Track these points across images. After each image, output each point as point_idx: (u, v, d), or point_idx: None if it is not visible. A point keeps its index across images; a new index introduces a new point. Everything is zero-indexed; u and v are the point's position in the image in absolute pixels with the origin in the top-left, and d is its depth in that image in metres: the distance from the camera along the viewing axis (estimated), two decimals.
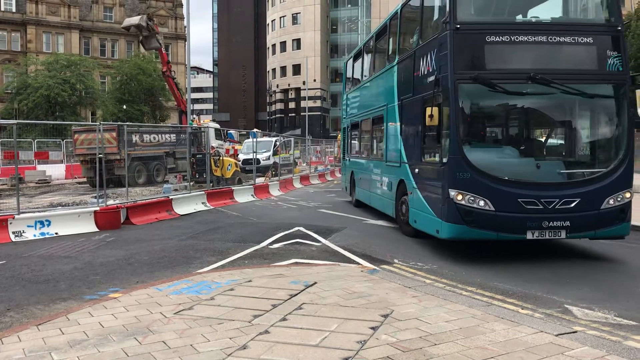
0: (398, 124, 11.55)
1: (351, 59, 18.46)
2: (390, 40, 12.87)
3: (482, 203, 8.52)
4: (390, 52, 12.95)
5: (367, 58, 15.99)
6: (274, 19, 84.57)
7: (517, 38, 8.86)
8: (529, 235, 8.51)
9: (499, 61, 8.99)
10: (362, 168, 16.11)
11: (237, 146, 32.71)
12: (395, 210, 12.02)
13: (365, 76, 16.04)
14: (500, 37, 8.82)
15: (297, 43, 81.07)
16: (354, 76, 18.03)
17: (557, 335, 5.10)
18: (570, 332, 5.23)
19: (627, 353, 4.73)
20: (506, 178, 8.58)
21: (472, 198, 8.55)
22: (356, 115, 16.83)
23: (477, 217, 8.55)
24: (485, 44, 8.84)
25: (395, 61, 11.94)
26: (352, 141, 18.10)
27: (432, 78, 9.34)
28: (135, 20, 25.31)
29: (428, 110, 8.93)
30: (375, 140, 14.63)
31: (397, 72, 11.82)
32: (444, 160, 8.89)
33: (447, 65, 8.77)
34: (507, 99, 9.16)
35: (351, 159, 18.02)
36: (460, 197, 8.57)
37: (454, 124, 8.66)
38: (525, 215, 8.47)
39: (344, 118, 19.00)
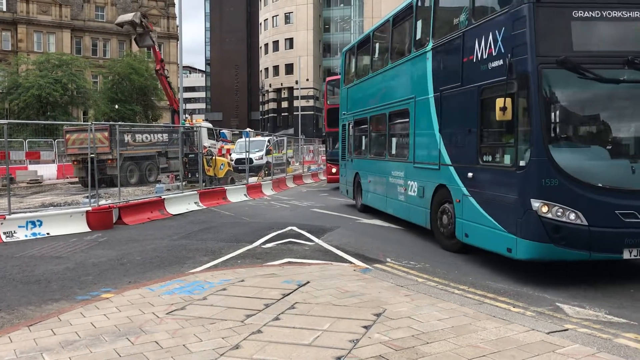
0: (435, 118, 10.03)
1: (353, 49, 16.92)
2: (419, 22, 11.18)
3: (572, 216, 7.10)
4: (417, 37, 11.23)
5: (379, 46, 14.52)
6: (267, 18, 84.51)
7: (610, 14, 7.38)
8: (626, 255, 7.12)
9: (589, 42, 7.53)
10: (373, 170, 14.41)
11: (229, 146, 32.69)
12: (429, 220, 10.38)
13: (375, 67, 14.45)
14: (591, 13, 7.37)
15: (290, 42, 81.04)
16: (358, 68, 16.52)
17: (548, 333, 5.13)
18: (562, 330, 5.26)
19: (618, 350, 4.77)
20: (602, 185, 7.16)
21: (560, 210, 7.11)
22: (363, 110, 15.16)
23: (566, 234, 7.08)
24: (573, 20, 7.38)
25: (429, 46, 10.34)
26: (357, 139, 16.32)
27: (497, 63, 7.87)
28: (128, 16, 25.27)
29: (499, 102, 7.34)
30: (394, 139, 12.98)
31: (433, 59, 10.25)
32: (522, 163, 7.33)
33: (525, 47, 7.30)
34: (600, 87, 7.44)
35: (355, 159, 16.33)
36: (545, 209, 7.12)
37: (537, 118, 7.19)
38: (623, 231, 7.08)
39: (344, 114, 17.37)
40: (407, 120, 11.50)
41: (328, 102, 24.08)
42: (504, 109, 7.34)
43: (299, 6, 79.41)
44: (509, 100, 7.34)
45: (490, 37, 8.06)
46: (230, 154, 30.19)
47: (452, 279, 7.74)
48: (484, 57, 8.23)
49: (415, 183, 11.18)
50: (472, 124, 8.58)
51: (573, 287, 7.20)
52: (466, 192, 8.83)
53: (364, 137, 15.59)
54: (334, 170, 22.85)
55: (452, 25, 9.85)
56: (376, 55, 14.68)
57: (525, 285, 7.39)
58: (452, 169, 9.38)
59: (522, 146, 7.40)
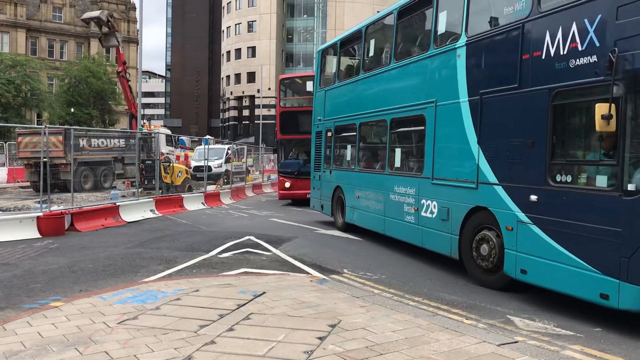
0: (470, 127, 8.35)
1: (334, 47, 14.99)
2: (442, 14, 9.53)
3: None
4: (440, 31, 9.54)
5: (375, 43, 12.61)
6: (229, 26, 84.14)
7: None
8: None
9: None
10: (365, 184, 12.48)
11: (188, 152, 32.31)
12: (457, 249, 8.68)
13: (369, 66, 12.62)
14: None
15: (252, 51, 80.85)
16: (341, 68, 14.52)
17: (499, 345, 5.23)
18: (512, 342, 5.38)
19: None
20: None
21: None
22: (349, 116, 13.28)
23: None
24: None
25: (462, 41, 8.63)
26: (339, 149, 14.45)
27: (586, 60, 6.30)
28: (96, 13, 25.06)
29: (600, 109, 5.81)
30: (398, 149, 11.18)
31: (468, 57, 8.53)
32: (631, 187, 5.78)
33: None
34: None
35: (336, 171, 14.35)
36: None
37: None
38: None
39: (320, 120, 15.29)
40: (422, 128, 9.83)
41: (282, 104, 22.10)
42: (607, 117, 5.77)
43: (262, 15, 79.39)
44: (607, 106, 5.81)
45: (574, 27, 6.45)
46: (188, 162, 29.84)
47: (407, 291, 7.82)
48: (561, 52, 6.63)
49: (435, 203, 9.37)
50: (537, 134, 6.94)
51: (524, 301, 7.36)
52: (525, 219, 7.12)
53: (349, 146, 13.67)
54: (287, 184, 20.67)
55: (500, 16, 8.17)
56: (370, 53, 12.72)
57: (478, 298, 7.52)
58: (499, 188, 7.66)
59: (632, 166, 5.87)
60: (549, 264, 6.73)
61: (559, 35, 6.66)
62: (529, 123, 7.14)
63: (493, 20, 8.34)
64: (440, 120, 9.29)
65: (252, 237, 12.38)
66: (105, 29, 24.77)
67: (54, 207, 14.01)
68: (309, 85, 19.60)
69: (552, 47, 6.77)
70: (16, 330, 5.48)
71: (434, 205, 9.41)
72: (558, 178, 6.69)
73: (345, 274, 8.89)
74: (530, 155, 7.07)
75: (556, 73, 6.69)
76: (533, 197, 6.96)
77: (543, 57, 6.92)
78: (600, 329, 6.16)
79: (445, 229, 9.02)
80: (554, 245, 6.66)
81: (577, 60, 6.42)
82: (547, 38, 6.85)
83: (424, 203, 9.75)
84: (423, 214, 9.75)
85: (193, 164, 28.44)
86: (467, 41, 8.54)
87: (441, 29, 9.56)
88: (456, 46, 8.79)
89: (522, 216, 7.17)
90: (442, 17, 9.54)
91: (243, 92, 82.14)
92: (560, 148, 6.86)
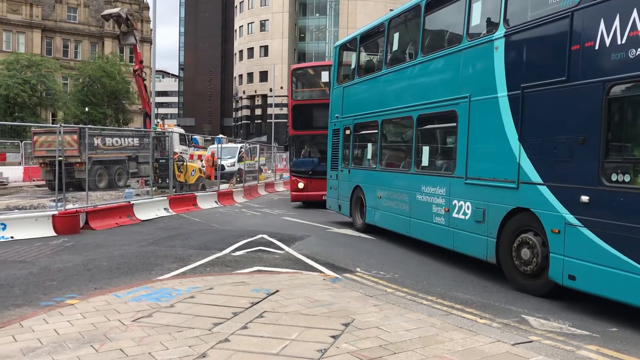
0: (510, 123, 7.88)
1: (353, 43, 14.56)
2: (476, 5, 9.09)
3: None
4: (473, 23, 9.10)
5: (399, 37, 12.13)
6: (242, 25, 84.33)
7: None
8: None
9: None
10: (388, 184, 12.00)
11: (201, 152, 32.49)
12: (494, 252, 8.22)
13: (393, 61, 12.07)
14: None
15: (265, 50, 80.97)
16: (361, 63, 14.12)
17: (513, 345, 5.20)
18: (526, 342, 5.34)
19: None
20: None
21: None
22: (370, 113, 12.88)
23: None
24: None
25: (500, 33, 8.18)
26: (359, 147, 14.06)
27: None
28: (115, 10, 25.21)
29: None
30: (425, 147, 10.72)
31: (507, 49, 8.07)
32: None
33: None
34: None
35: (355, 170, 13.98)
36: None
37: None
38: None
39: (337, 117, 14.92)
40: (453, 124, 9.42)
41: (294, 97, 20.29)
42: None
43: (274, 14, 79.48)
44: None
45: (635, 14, 6.03)
46: (201, 160, 30.00)
47: (421, 290, 7.79)
48: (619, 42, 6.19)
49: (469, 204, 8.90)
50: (589, 130, 6.52)
51: (538, 300, 7.31)
52: (574, 221, 6.70)
53: (370, 144, 13.26)
54: (300, 185, 19.36)
55: (544, 5, 7.70)
56: (394, 47, 12.19)
57: (492, 297, 7.48)
58: (543, 188, 7.23)
59: None
60: (603, 270, 6.29)
61: (616, 23, 6.20)
62: (579, 118, 6.69)
63: (536, 10, 7.84)
64: (474, 116, 8.81)
65: (265, 236, 12.41)
66: (123, 27, 24.95)
67: (69, 206, 14.14)
68: (324, 76, 18.51)
69: (608, 36, 6.31)
70: (33, 327, 5.54)
71: (468, 206, 8.92)
72: (614, 177, 6.23)
73: (358, 273, 8.89)
74: (581, 153, 6.62)
75: (612, 64, 6.26)
76: (584, 198, 6.51)
77: (596, 47, 6.47)
78: (616, 328, 6.11)
79: (481, 232, 8.54)
80: (609, 250, 6.22)
81: (639, 50, 5.97)
82: (602, 27, 6.38)
83: (455, 204, 9.26)
84: (455, 215, 9.28)
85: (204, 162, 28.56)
86: (505, 32, 8.09)
87: (475, 20, 9.09)
88: (493, 38, 8.31)
89: (571, 218, 6.73)
90: (477, 8, 9.06)
91: (255, 91, 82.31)
92: (617, 145, 6.36)
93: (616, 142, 6.36)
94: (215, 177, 23.05)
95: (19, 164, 32.01)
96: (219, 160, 23.75)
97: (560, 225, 6.89)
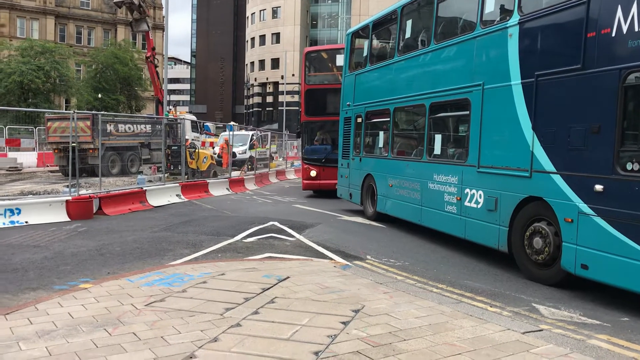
0: (524, 111, 7.82)
1: (365, 30, 14.40)
2: None
3: None
4: (487, 10, 9.10)
5: (412, 24, 12.05)
6: (254, 12, 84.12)
7: None
8: None
9: None
10: (399, 172, 11.96)
11: (213, 139, 32.57)
12: (506, 241, 8.22)
13: (405, 49, 12.02)
14: None
15: (277, 37, 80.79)
16: (373, 51, 14.06)
17: (523, 333, 5.21)
18: (537, 331, 5.35)
19: (590, 351, 4.86)
20: None
21: None
22: (382, 101, 12.79)
23: None
24: None
25: (514, 20, 8.11)
26: (371, 135, 13.94)
27: None
28: None
29: None
30: (438, 135, 10.74)
31: (521, 36, 8.00)
32: None
33: None
34: None
35: (367, 158, 13.91)
36: None
37: None
38: None
39: (349, 105, 14.80)
40: (466, 112, 9.37)
41: (307, 81, 19.51)
42: None
43: (286, 1, 79.18)
44: None
45: None
46: (213, 147, 30.09)
47: (431, 277, 7.81)
48: (636, 29, 6.11)
49: (481, 192, 8.87)
50: (604, 118, 6.46)
51: (549, 289, 7.30)
52: (587, 210, 6.66)
53: (382, 132, 13.22)
54: (313, 173, 18.78)
55: None
56: (407, 35, 12.10)
57: (502, 285, 7.48)
58: (557, 177, 7.17)
59: None
60: (616, 259, 6.25)
61: (634, 10, 6.12)
62: (594, 107, 6.63)
63: None
64: (487, 104, 8.75)
65: (276, 223, 12.46)
66: (136, 14, 24.91)
67: (82, 191, 14.26)
68: (339, 59, 17.86)
69: (625, 23, 6.22)
70: (48, 310, 5.63)
71: (480, 195, 8.89)
72: (629, 166, 6.15)
73: (369, 260, 8.91)
74: (596, 142, 6.55)
75: (629, 52, 6.17)
76: (598, 187, 6.45)
77: (613, 34, 6.38)
78: (628, 318, 6.09)
79: (493, 220, 8.52)
80: (622, 240, 6.17)
81: None
82: (619, 14, 6.30)
83: (467, 192, 9.23)
84: (467, 203, 9.24)
85: (217, 149, 28.63)
86: (520, 20, 8.00)
87: (489, 7, 9.04)
88: (507, 25, 8.25)
89: (585, 207, 6.68)
90: None
91: (267, 79, 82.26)
92: (632, 134, 6.29)
93: (631, 130, 6.28)
94: (229, 164, 23.14)
95: (33, 149, 32.27)
96: (230, 147, 23.79)
97: (574, 215, 6.85)
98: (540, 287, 7.40)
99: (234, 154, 25.13)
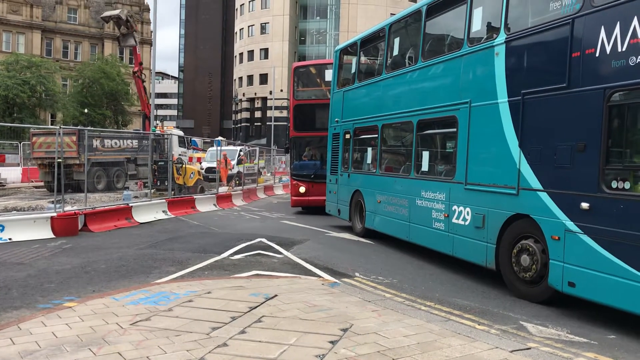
0: (510, 129, 7.88)
1: (353, 47, 14.49)
2: (477, 10, 9.09)
3: None
4: (474, 29, 9.12)
5: (400, 42, 12.15)
6: (242, 28, 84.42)
7: None
8: None
9: None
10: (387, 188, 11.98)
11: (200, 154, 32.49)
12: (494, 258, 8.19)
13: (393, 66, 12.12)
14: None
15: (265, 52, 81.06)
16: (361, 68, 14.18)
17: (511, 352, 5.20)
18: (525, 349, 5.34)
19: None
20: None
21: None
22: (370, 118, 12.90)
23: None
24: None
25: (501, 39, 8.18)
26: (359, 151, 13.97)
27: None
28: (115, 12, 25.29)
29: None
30: (425, 152, 10.72)
31: (508, 55, 8.07)
32: None
33: None
34: None
35: (355, 175, 13.95)
36: None
37: None
38: None
39: (337, 122, 14.86)
40: (453, 130, 9.44)
41: (296, 96, 19.41)
42: None
43: (275, 17, 79.60)
44: None
45: (635, 22, 6.05)
46: (200, 162, 30.01)
47: (419, 295, 7.79)
48: (619, 49, 6.21)
49: (469, 209, 8.87)
50: (589, 137, 6.52)
51: (537, 307, 7.31)
52: (574, 228, 6.68)
53: (370, 149, 13.25)
54: (302, 189, 18.65)
55: (545, 11, 7.71)
56: (395, 52, 12.25)
57: (490, 303, 7.49)
58: (543, 195, 7.21)
59: None
60: (602, 277, 6.27)
61: (617, 31, 6.22)
62: (579, 125, 6.70)
63: (537, 16, 7.86)
64: (475, 121, 8.80)
65: (263, 240, 12.41)
66: (123, 29, 24.98)
67: (68, 208, 14.12)
68: (328, 74, 17.89)
69: (608, 44, 6.32)
70: (31, 330, 5.53)
71: (467, 212, 8.90)
72: (614, 184, 6.22)
73: (357, 278, 8.88)
74: (581, 160, 6.62)
75: (613, 72, 6.28)
76: (584, 205, 6.50)
77: (597, 54, 6.48)
78: (614, 336, 6.11)
79: (480, 237, 8.52)
80: (608, 257, 6.21)
81: (639, 57, 5.97)
82: (602, 34, 6.40)
83: (455, 209, 9.25)
84: (454, 220, 9.25)
85: (205, 165, 28.56)
86: (506, 38, 8.08)
87: (476, 25, 9.12)
88: (494, 44, 8.32)
89: (571, 225, 6.71)
90: (477, 14, 9.07)
91: (255, 94, 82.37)
92: (617, 152, 6.37)
93: (616, 148, 6.34)
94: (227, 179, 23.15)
95: (18, 165, 32.00)
96: (218, 163, 23.76)
97: (560, 232, 6.87)
98: (528, 304, 7.41)
99: (211, 170, 24.95)
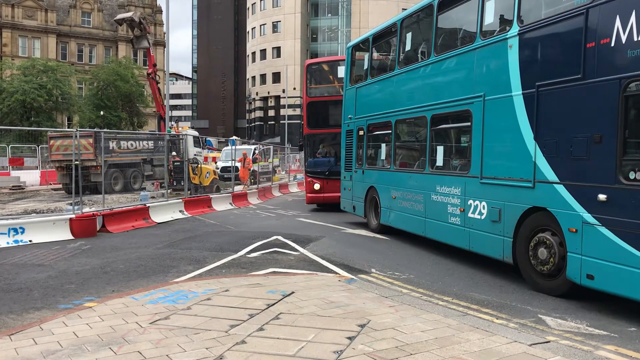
0: (525, 122, 7.81)
1: (365, 43, 14.53)
2: (489, 3, 9.03)
3: None
4: (486, 21, 9.06)
5: (412, 37, 12.10)
6: (254, 27, 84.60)
7: None
8: None
9: None
10: (402, 184, 11.93)
11: (215, 154, 32.65)
12: (511, 252, 8.14)
13: (405, 61, 12.05)
14: None
15: (277, 51, 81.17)
16: (373, 64, 14.19)
17: (530, 345, 5.17)
18: (544, 342, 5.31)
19: None
20: None
21: None
22: (384, 113, 12.81)
23: None
24: None
25: (514, 31, 8.10)
26: (372, 147, 14.01)
27: None
28: (128, 14, 25.47)
29: None
30: (440, 147, 10.69)
31: (522, 47, 7.99)
32: None
33: None
34: None
35: (369, 171, 13.92)
36: None
37: None
38: None
39: (350, 118, 14.86)
40: (467, 124, 9.39)
41: (309, 93, 19.48)
42: None
43: (286, 15, 79.65)
44: None
45: None
46: (215, 162, 30.17)
47: (436, 290, 7.78)
48: (635, 38, 6.13)
49: (484, 203, 8.82)
50: (605, 128, 6.46)
51: (555, 300, 7.26)
52: (591, 220, 6.63)
53: (384, 144, 13.31)
54: (316, 186, 18.69)
55: (558, 2, 7.77)
56: (407, 47, 12.17)
57: (508, 297, 7.45)
58: (560, 187, 7.14)
59: None
60: (621, 269, 6.20)
61: (632, 20, 6.14)
62: (595, 116, 6.61)
63: (550, 7, 7.84)
64: (489, 115, 8.73)
65: (279, 237, 12.45)
66: (137, 31, 25.15)
67: (86, 209, 14.28)
68: (340, 71, 17.85)
69: (624, 33, 6.23)
70: (53, 330, 5.61)
71: (483, 206, 8.84)
72: (631, 175, 6.13)
73: (374, 274, 8.88)
74: (598, 151, 6.53)
75: (628, 61, 6.18)
76: (602, 197, 6.42)
77: (612, 44, 6.39)
78: (635, 328, 6.05)
79: (497, 231, 8.46)
80: (627, 249, 6.14)
81: None
82: (617, 24, 6.30)
83: (471, 203, 9.19)
84: (470, 215, 9.20)
85: (220, 164, 28.70)
86: (519, 31, 7.99)
87: (488, 18, 9.02)
88: (507, 36, 8.25)
89: (588, 217, 6.65)
90: (490, 6, 8.98)
91: (268, 93, 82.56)
92: (634, 142, 6.28)
93: (633, 139, 6.27)
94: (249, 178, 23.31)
95: (36, 168, 32.38)
96: (233, 162, 23.86)
97: (578, 224, 6.80)
98: (547, 298, 7.37)
99: (236, 168, 25.12)
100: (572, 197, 6.93)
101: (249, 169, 26.13)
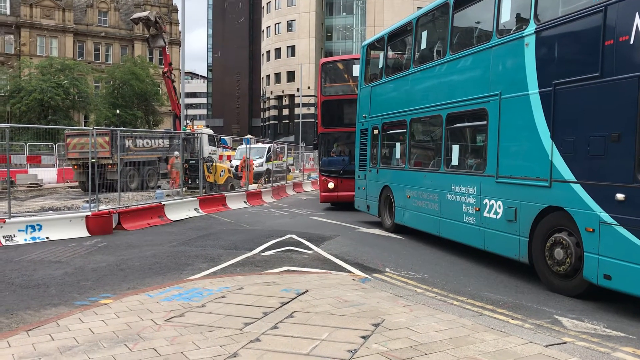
0: (542, 121, 7.72)
1: (380, 42, 14.46)
2: (506, 1, 8.94)
3: None
4: (502, 20, 9.00)
5: (427, 35, 12.05)
6: (269, 26, 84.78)
7: None
8: None
9: None
10: (417, 183, 11.88)
11: (230, 152, 32.77)
12: (527, 252, 8.06)
13: (421, 60, 11.94)
14: None
15: (292, 50, 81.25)
16: (389, 63, 14.17)
17: (546, 346, 5.12)
18: (560, 343, 5.26)
19: None
20: None
21: None
22: (398, 112, 12.77)
23: None
24: None
25: (530, 29, 8.02)
26: (387, 147, 13.95)
27: None
28: (144, 13, 25.65)
29: None
30: (455, 146, 10.61)
31: (538, 45, 7.91)
32: None
33: None
34: None
35: (384, 170, 13.89)
36: None
37: None
38: None
39: (365, 117, 14.82)
40: (483, 123, 9.34)
41: (324, 92, 19.50)
42: None
43: (301, 14, 79.69)
44: None
45: None
46: (230, 161, 30.28)
47: (451, 290, 7.74)
48: None
49: (500, 202, 8.75)
50: (624, 127, 6.38)
51: (571, 300, 7.19)
52: (609, 220, 6.54)
53: (399, 144, 13.26)
54: (330, 184, 18.74)
55: (573, 1, 7.71)
56: (422, 46, 12.08)
57: (523, 297, 7.39)
58: (577, 187, 7.06)
59: None
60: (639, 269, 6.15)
61: None
62: (613, 115, 6.53)
63: (568, 5, 7.79)
64: (505, 113, 8.66)
65: (293, 236, 12.46)
66: (153, 30, 25.31)
67: (102, 207, 14.41)
68: (355, 70, 17.87)
69: None
70: (69, 326, 5.67)
71: (499, 205, 8.77)
72: None
73: (388, 273, 8.86)
74: (616, 150, 6.45)
75: None
76: (619, 196, 6.35)
77: (631, 41, 6.28)
78: None
79: (513, 231, 8.39)
80: None
81: None
82: (636, 21, 6.20)
83: (486, 203, 9.12)
84: (486, 214, 9.13)
85: (235, 163, 28.79)
86: (536, 29, 7.91)
87: (505, 16, 8.97)
88: (524, 34, 8.17)
89: (606, 217, 6.57)
90: (506, 4, 8.93)
91: (283, 92, 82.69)
92: None
93: None
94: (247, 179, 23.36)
95: (53, 165, 32.72)
96: (235, 160, 23.94)
97: (595, 224, 6.72)
98: (563, 298, 7.29)
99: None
100: (590, 196, 6.85)
101: (252, 169, 26.18)
